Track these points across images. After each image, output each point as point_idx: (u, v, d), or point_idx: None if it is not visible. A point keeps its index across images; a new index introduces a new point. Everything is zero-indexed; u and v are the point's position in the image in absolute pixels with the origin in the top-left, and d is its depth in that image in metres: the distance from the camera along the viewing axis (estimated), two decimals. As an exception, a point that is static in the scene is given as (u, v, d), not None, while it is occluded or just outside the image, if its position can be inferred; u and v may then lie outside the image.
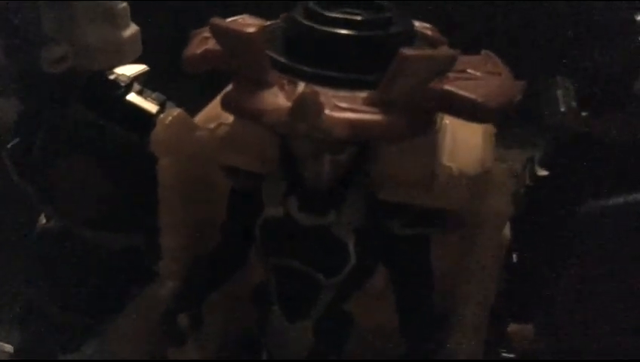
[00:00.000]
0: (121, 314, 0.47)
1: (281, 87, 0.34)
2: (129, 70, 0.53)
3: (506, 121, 0.37)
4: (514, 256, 0.42)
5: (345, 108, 0.32)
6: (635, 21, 0.37)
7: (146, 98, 0.47)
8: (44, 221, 0.53)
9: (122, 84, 0.47)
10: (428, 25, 0.43)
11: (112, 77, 0.48)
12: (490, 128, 0.46)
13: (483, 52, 0.40)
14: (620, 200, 0.34)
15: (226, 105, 0.34)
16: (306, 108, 0.31)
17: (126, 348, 0.46)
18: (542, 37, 0.54)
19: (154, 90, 0.52)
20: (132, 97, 0.47)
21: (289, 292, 0.41)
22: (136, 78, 0.52)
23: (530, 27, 0.57)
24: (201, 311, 0.43)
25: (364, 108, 0.32)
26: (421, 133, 0.34)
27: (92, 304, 0.51)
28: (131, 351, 0.46)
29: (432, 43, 0.41)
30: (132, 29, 0.45)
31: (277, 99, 0.32)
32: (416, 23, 0.43)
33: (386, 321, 0.44)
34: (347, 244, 0.39)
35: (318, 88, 0.34)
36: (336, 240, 0.39)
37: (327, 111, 0.31)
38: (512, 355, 0.47)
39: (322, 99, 0.32)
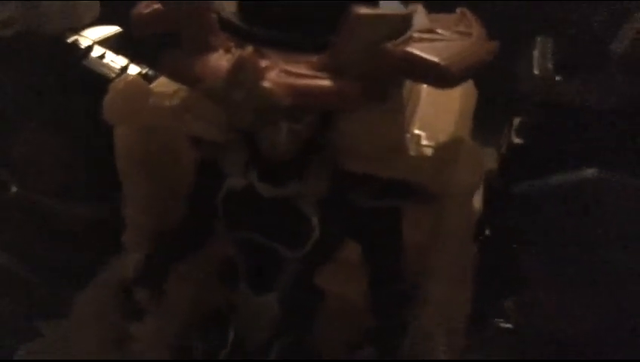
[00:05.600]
0: (84, 289, 0.46)
1: (227, 51, 0.31)
2: (97, 32, 0.51)
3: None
4: (487, 229, 0.39)
5: (291, 73, 0.30)
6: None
7: (106, 62, 0.45)
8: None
9: (81, 47, 0.45)
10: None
11: (70, 40, 0.45)
12: (469, 90, 0.44)
13: (458, 10, 0.37)
14: (587, 174, 0.32)
15: (164, 68, 0.32)
16: (243, 73, 0.28)
17: (89, 324, 0.45)
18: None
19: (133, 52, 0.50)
20: (89, 62, 0.45)
21: (253, 265, 0.40)
22: (104, 41, 0.50)
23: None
24: (162, 285, 0.42)
25: (312, 73, 0.30)
26: (378, 100, 0.32)
27: (64, 273, 0.50)
28: (94, 328, 0.44)
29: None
30: (88, -11, 0.43)
31: (218, 63, 0.30)
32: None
33: (358, 294, 0.42)
34: (310, 217, 0.37)
35: (269, 52, 0.32)
36: (299, 212, 0.38)
37: (269, 77, 0.29)
38: (509, 325, 0.46)
39: (268, 63, 0.30)
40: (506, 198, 0.37)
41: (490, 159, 0.40)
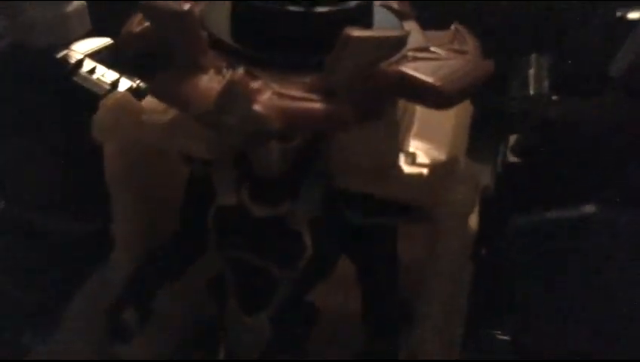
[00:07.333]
0: (72, 304, 0.45)
1: (218, 72, 0.31)
2: (88, 45, 0.50)
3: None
4: (482, 249, 0.39)
5: (284, 95, 0.29)
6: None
7: (97, 77, 0.44)
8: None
9: (71, 62, 0.44)
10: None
11: (61, 54, 0.45)
12: (465, 107, 0.43)
13: (453, 26, 0.37)
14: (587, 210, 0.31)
15: (154, 89, 0.31)
16: (234, 97, 0.28)
17: (78, 340, 0.44)
18: (520, 8, 0.51)
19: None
20: (79, 76, 0.44)
21: (244, 284, 0.39)
22: (95, 54, 0.49)
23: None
24: (150, 305, 0.41)
25: (305, 95, 0.29)
26: (371, 120, 0.31)
27: (52, 289, 0.49)
28: (83, 343, 0.44)
29: (398, 17, 0.38)
30: (77, 2, 0.42)
31: (209, 84, 0.29)
32: (384, -8, 0.40)
33: (353, 309, 0.42)
34: (303, 236, 0.37)
35: (260, 72, 0.31)
36: (292, 231, 0.37)
37: (260, 100, 0.28)
38: (506, 337, 0.45)
39: (259, 85, 0.29)
40: (502, 219, 0.37)
41: (485, 177, 0.40)
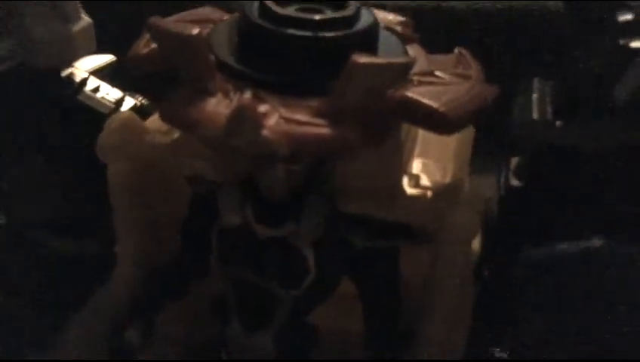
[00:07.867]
0: (73, 321, 0.45)
1: (226, 95, 0.31)
2: (92, 62, 0.50)
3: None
4: (485, 271, 0.39)
5: (291, 120, 0.29)
6: (617, 20, 0.34)
7: (101, 95, 0.44)
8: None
9: (76, 81, 0.44)
10: (401, 19, 0.40)
11: (65, 73, 0.45)
12: (467, 131, 0.43)
13: (456, 50, 0.37)
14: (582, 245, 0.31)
15: (163, 113, 0.31)
16: (243, 122, 0.28)
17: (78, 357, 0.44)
18: (524, 33, 0.51)
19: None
20: (83, 96, 0.44)
21: (247, 304, 0.39)
22: (98, 71, 0.50)
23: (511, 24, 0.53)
24: (153, 325, 0.41)
25: (312, 119, 0.29)
26: (376, 144, 0.31)
27: (52, 305, 0.49)
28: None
29: (402, 41, 0.39)
30: (84, 22, 0.43)
31: (217, 108, 0.29)
32: (390, 17, 0.40)
33: (355, 328, 0.42)
34: (306, 257, 0.37)
35: (267, 96, 0.31)
36: (295, 252, 0.37)
37: (268, 125, 0.29)
38: (505, 354, 0.45)
39: (267, 109, 0.29)
40: (505, 241, 0.37)
41: (488, 199, 0.40)
